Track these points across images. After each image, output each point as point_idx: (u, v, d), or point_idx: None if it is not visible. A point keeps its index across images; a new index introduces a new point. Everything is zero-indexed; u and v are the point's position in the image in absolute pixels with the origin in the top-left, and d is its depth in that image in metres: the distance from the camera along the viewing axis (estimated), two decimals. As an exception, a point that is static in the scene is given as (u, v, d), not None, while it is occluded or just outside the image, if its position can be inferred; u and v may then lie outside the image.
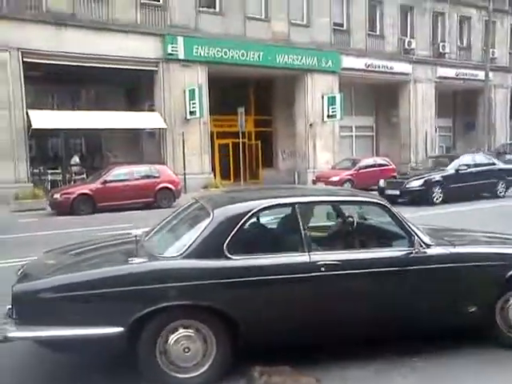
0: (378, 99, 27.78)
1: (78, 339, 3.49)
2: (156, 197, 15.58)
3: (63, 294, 3.50)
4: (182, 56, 19.60)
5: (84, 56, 17.50)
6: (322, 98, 23.30)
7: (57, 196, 14.59)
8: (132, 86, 20.69)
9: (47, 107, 17.83)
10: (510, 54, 31.41)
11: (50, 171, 18.61)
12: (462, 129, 31.76)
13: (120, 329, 3.45)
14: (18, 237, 10.58)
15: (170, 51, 19.29)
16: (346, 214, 4.65)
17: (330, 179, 19.02)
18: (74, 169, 18.93)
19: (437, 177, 15.30)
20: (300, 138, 23.69)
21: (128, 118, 18.97)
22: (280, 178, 24.00)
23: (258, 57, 21.19)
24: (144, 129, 20.04)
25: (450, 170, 15.66)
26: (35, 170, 18.13)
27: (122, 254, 4.15)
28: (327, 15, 23.43)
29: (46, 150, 19.75)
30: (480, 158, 17.24)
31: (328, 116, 23.28)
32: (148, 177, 15.86)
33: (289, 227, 4.12)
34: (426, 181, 15.02)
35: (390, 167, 20.90)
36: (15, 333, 3.49)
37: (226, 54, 20.46)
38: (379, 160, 21.38)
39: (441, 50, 27.47)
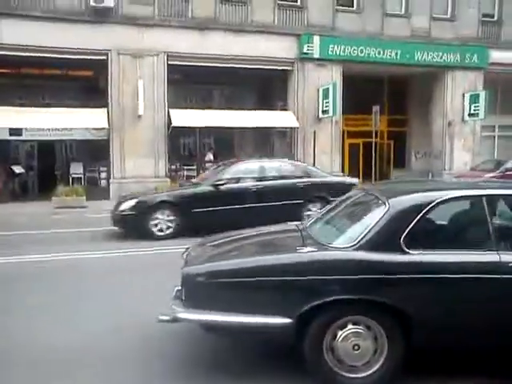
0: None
1: (245, 326, 3.47)
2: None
3: (232, 280, 3.52)
4: (317, 55, 19.54)
5: (222, 57, 18.23)
6: (463, 96, 21.76)
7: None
8: (265, 86, 21.09)
9: (185, 106, 18.90)
10: None
11: (185, 167, 19.78)
12: None
13: (288, 320, 3.36)
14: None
15: (305, 50, 19.33)
16: None
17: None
18: (208, 165, 19.89)
19: (163, 196, 10.39)
20: (436, 137, 22.43)
21: (260, 116, 19.39)
22: (412, 179, 23.01)
23: (395, 54, 20.37)
24: (276, 127, 20.38)
25: (205, 186, 10.57)
26: (172, 167, 19.37)
27: (288, 242, 4.23)
28: (475, 5, 21.73)
29: (181, 148, 20.99)
30: (283, 166, 11.69)
31: (469, 115, 21.69)
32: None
33: (474, 222, 3.83)
34: (138, 202, 10.09)
35: (542, 170, 18.89)
36: (184, 314, 3.60)
37: (361, 52, 19.99)
38: (528, 162, 19.43)
39: None
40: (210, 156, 19.92)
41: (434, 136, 22.54)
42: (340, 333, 3.40)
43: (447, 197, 3.69)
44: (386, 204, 3.65)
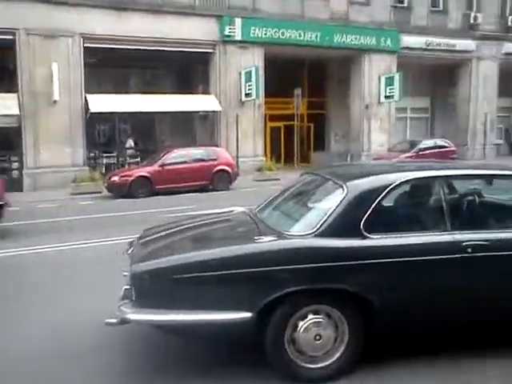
0: (435, 79, 26.62)
1: (202, 324, 3.28)
2: (212, 179, 15.66)
3: (187, 275, 3.26)
4: (239, 37, 19.28)
5: (142, 39, 17.43)
6: (379, 78, 22.55)
7: (115, 179, 14.86)
8: (186, 69, 20.54)
9: (103, 91, 17.98)
10: None
11: (104, 155, 18.89)
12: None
13: (248, 314, 3.20)
14: (84, 219, 10.97)
15: (227, 33, 18.99)
16: (489, 189, 4.18)
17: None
18: (129, 152, 19.16)
19: None
20: (354, 119, 23.12)
21: (182, 100, 18.92)
22: (332, 160, 23.59)
23: (316, 37, 20.59)
24: (198, 111, 19.98)
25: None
26: (91, 154, 18.43)
27: (243, 231, 4.02)
28: (388, -9, 22.42)
29: (100, 135, 20.02)
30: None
31: (385, 97, 22.55)
32: (205, 159, 15.91)
33: (430, 203, 3.83)
34: None
35: (451, 149, 20.28)
36: (135, 315, 3.35)
37: (283, 35, 19.99)
38: (439, 141, 20.78)
39: (509, 23, 25.83)
40: (130, 142, 19.15)
41: (352, 118, 23.21)
42: (301, 324, 3.30)
43: (405, 179, 3.65)
44: (344, 188, 3.54)
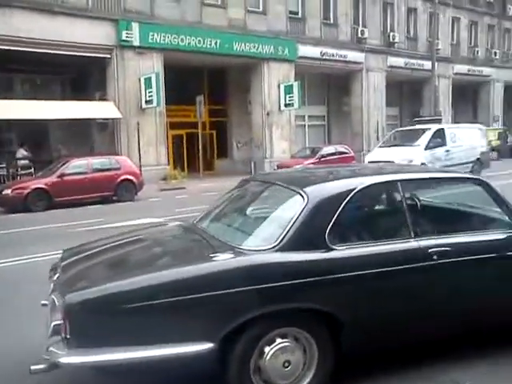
0: (329, 88, 27.85)
1: (156, 361, 2.73)
2: (116, 190, 14.75)
3: (136, 304, 2.71)
4: (137, 43, 18.61)
5: (27, 40, 16.12)
6: (279, 86, 22.99)
7: (7, 192, 13.42)
8: (81, 75, 19.37)
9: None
10: (451, 45, 32.45)
11: (-7, 166, 17.13)
12: (409, 117, 32.55)
13: (209, 345, 2.74)
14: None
15: (124, 37, 18.24)
16: (445, 193, 4.04)
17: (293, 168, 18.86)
18: (21, 163, 17.53)
19: None
20: (256, 127, 23.31)
21: (76, 107, 17.75)
22: (235, 168, 23.62)
23: (215, 44, 20.51)
24: (95, 119, 18.89)
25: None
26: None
27: (191, 248, 3.47)
28: (283, 2, 23.04)
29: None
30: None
31: (285, 105, 23.04)
32: (108, 169, 14.93)
33: (392, 209, 3.57)
34: None
35: (350, 155, 21.11)
36: (71, 357, 2.68)
37: (182, 41, 19.65)
38: (340, 148, 21.49)
39: (391, 39, 27.88)
40: (22, 152, 17.52)
41: (254, 125, 23.39)
42: (267, 350, 2.90)
43: (368, 183, 3.35)
44: (304, 195, 3.16)
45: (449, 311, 3.35)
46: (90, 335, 2.72)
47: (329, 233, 3.05)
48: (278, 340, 2.91)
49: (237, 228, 3.64)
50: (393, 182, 3.51)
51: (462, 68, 32.90)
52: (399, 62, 28.39)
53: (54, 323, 2.80)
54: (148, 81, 18.59)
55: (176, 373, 2.94)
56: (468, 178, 3.92)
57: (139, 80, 18.78)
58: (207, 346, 2.74)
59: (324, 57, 24.54)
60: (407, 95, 32.02)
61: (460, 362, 3.47)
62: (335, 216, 3.11)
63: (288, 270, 2.97)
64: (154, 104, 18.70)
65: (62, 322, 2.73)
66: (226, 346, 2.79)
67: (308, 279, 2.93)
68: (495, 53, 35.68)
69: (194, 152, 22.32)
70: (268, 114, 22.94)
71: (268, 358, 2.89)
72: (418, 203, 3.52)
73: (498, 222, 3.66)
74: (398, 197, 3.46)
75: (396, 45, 28.27)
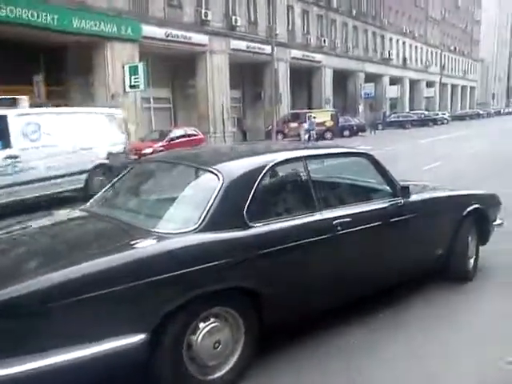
0: (174, 71, 27.60)
1: (85, 361, 2.49)
2: None
3: (64, 300, 2.45)
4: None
5: None
6: (123, 67, 22.12)
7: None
8: None
9: None
10: (287, 31, 34.35)
11: None
12: (250, 100, 33.87)
13: (141, 336, 2.62)
14: None
15: None
16: (337, 167, 4.31)
17: (143, 151, 18.44)
18: None
19: None
20: (100, 109, 22.16)
21: None
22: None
23: (52, 20, 18.87)
24: None
25: None
26: None
27: (105, 236, 3.18)
28: (124, -21, 22.08)
29: None
30: None
31: (130, 86, 22.24)
32: None
33: (301, 184, 3.65)
34: None
35: (200, 137, 21.33)
36: None
37: (12, 13, 17.70)
38: (189, 130, 21.51)
39: (233, 23, 28.49)
40: None
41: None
42: (198, 333, 2.89)
43: (277, 161, 3.45)
44: (218, 174, 3.14)
45: (355, 276, 3.73)
46: (3, 342, 2.37)
47: (246, 211, 3.10)
48: (208, 322, 2.93)
49: (148, 212, 3.49)
50: (300, 157, 3.68)
51: (298, 53, 35.11)
52: (241, 45, 29.23)
53: None
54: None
55: (104, 375, 2.68)
56: (358, 153, 4.27)
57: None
58: (140, 337, 2.62)
59: (169, 38, 24.17)
60: (249, 78, 33.19)
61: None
62: (251, 193, 3.16)
63: (213, 250, 2.97)
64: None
65: None
66: (157, 336, 2.71)
67: (232, 258, 2.97)
68: (324, 40, 38.71)
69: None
70: (113, 96, 21.96)
71: (199, 341, 2.88)
72: (320, 177, 3.85)
73: (383, 191, 4.10)
74: (304, 172, 3.60)
75: (238, 28, 29.02)
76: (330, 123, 31.59)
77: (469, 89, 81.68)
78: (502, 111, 79.70)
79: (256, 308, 3.13)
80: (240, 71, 31.97)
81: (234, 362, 3.06)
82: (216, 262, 2.90)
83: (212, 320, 2.96)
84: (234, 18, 28.59)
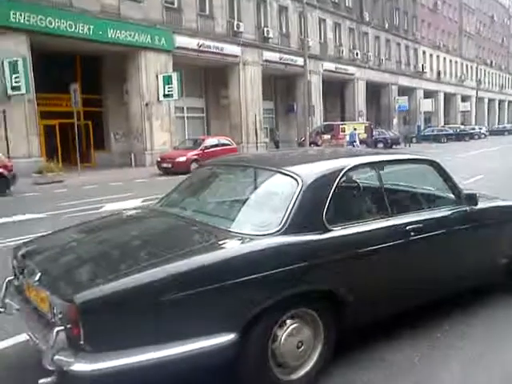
0: (208, 81, 27.92)
1: (177, 359, 2.51)
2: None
3: (168, 296, 2.49)
4: (-4, 21, 16.89)
5: None
6: (157, 76, 22.47)
7: None
8: None
9: None
10: (319, 43, 34.39)
11: None
12: (283, 111, 33.87)
13: (231, 336, 2.63)
14: None
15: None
16: (405, 173, 4.26)
17: (177, 160, 18.53)
18: None
19: None
20: (135, 118, 22.54)
21: None
22: (114, 160, 22.73)
23: (88, 30, 19.42)
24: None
25: None
26: None
27: (186, 235, 3.21)
28: (158, -9, 22.57)
29: None
30: None
31: (164, 95, 22.57)
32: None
33: (372, 189, 3.70)
34: None
35: (233, 146, 21.32)
36: (87, 365, 2.33)
37: (50, 24, 18.26)
38: (222, 140, 21.52)
39: (265, 34, 28.73)
40: None
41: (132, 116, 22.60)
42: (281, 333, 2.88)
43: (353, 164, 3.46)
44: (297, 177, 3.16)
45: (425, 281, 3.67)
46: (104, 337, 2.41)
47: (325, 214, 3.10)
48: (289, 322, 2.92)
49: (226, 213, 3.48)
50: (373, 163, 3.69)
51: (330, 65, 35.08)
52: (274, 56, 29.39)
53: (56, 329, 2.41)
54: (13, 64, 17.01)
55: (194, 372, 2.69)
56: (425, 159, 4.14)
57: (2, 63, 17.09)
58: (230, 336, 2.63)
59: (201, 48, 24.51)
60: (281, 89, 33.25)
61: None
62: (329, 197, 3.17)
63: (296, 252, 2.97)
64: (22, 91, 17.20)
65: (69, 326, 2.40)
66: (246, 336, 2.70)
67: (314, 260, 2.98)
68: (357, 53, 38.58)
69: (69, 143, 21.00)
70: (147, 104, 22.30)
71: (282, 341, 2.87)
72: (390, 183, 3.90)
73: (449, 198, 4.03)
74: (377, 177, 3.61)
75: (270, 40, 29.22)
76: (363, 136, 31.18)
77: (507, 103, 79.82)
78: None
79: (335, 310, 3.12)
80: (273, 82, 32.16)
81: (313, 362, 3.04)
82: (299, 264, 2.91)
83: (295, 320, 2.95)
84: (265, 29, 28.81)
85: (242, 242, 2.85)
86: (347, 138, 29.09)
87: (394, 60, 45.56)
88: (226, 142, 21.54)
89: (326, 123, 32.78)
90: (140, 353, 2.43)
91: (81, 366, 2.34)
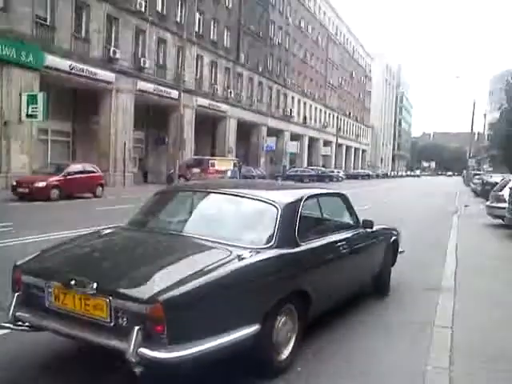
0: (78, 104, 26.71)
1: (225, 347, 3.20)
2: None
3: (217, 295, 3.23)
4: None
5: None
6: (20, 95, 20.94)
7: None
8: None
9: None
10: (195, 79, 34.95)
11: None
12: (153, 142, 33.53)
13: (256, 327, 3.41)
14: None
15: None
16: (329, 202, 5.42)
17: (35, 185, 17.31)
18: None
19: None
20: (-9, 137, 20.63)
21: None
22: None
23: None
24: None
25: None
26: None
27: (199, 248, 3.81)
28: (29, 4, 21.23)
29: None
30: None
31: (27, 115, 21.02)
32: None
33: (316, 213, 4.96)
34: None
35: (98, 174, 20.59)
36: (172, 352, 2.95)
37: None
38: (88, 166, 20.61)
39: (141, 64, 28.48)
40: None
41: (-12, 135, 20.67)
42: (278, 325, 3.74)
43: (308, 194, 4.72)
44: (275, 204, 4.11)
45: (348, 282, 5.18)
46: (181, 330, 3.02)
47: (296, 232, 4.12)
48: (282, 316, 3.78)
49: (227, 230, 4.08)
50: (317, 194, 4.99)
51: (204, 101, 35.73)
52: (149, 87, 29.18)
53: (137, 328, 2.94)
54: None
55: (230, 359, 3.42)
56: (339, 193, 5.57)
57: None
58: (256, 327, 3.40)
59: (73, 71, 23.46)
60: (154, 120, 32.95)
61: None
62: (297, 220, 4.18)
63: (288, 261, 3.95)
64: None
65: (149, 324, 2.96)
66: (263, 326, 3.47)
67: (296, 267, 4.02)
68: (230, 92, 39.87)
69: None
70: (5, 123, 20.60)
71: (279, 330, 3.74)
72: (323, 209, 5.09)
73: (350, 223, 5.40)
74: (318, 204, 4.90)
75: (146, 70, 29.01)
76: (232, 172, 32.07)
77: (361, 151, 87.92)
78: (388, 174, 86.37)
79: (305, 305, 4.08)
80: (146, 113, 31.73)
81: (292, 346, 3.92)
82: (290, 270, 3.95)
83: (285, 314, 3.82)
84: (143, 59, 28.59)
85: (257, 253, 3.69)
86: (228, 173, 30.14)
87: (266, 102, 47.87)
88: (92, 169, 20.71)
89: (196, 157, 33.08)
90: (205, 342, 3.08)
91: (166, 354, 2.93)
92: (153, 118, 32.87)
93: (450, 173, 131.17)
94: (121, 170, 27.28)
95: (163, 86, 30.43)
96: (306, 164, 57.35)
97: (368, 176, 67.53)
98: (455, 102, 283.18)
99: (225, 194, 4.65)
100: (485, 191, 23.50)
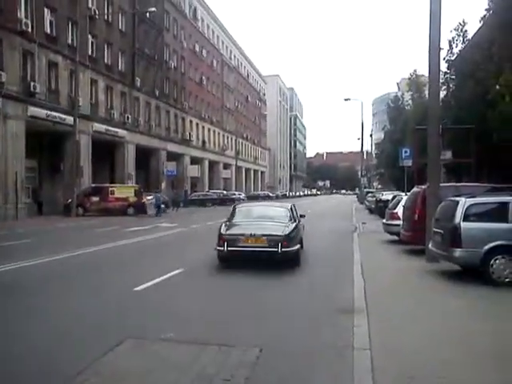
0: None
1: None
2: None
3: None
4: None
5: None
6: None
7: None
8: None
9: None
10: (91, 104, 33.69)
11: None
12: (48, 171, 31.61)
13: (298, 245, 10.92)
14: None
15: None
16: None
17: None
18: None
19: None
20: None
21: None
22: None
23: None
24: None
25: None
26: None
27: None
28: None
29: None
30: None
31: None
32: None
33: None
34: None
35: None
36: (290, 248, 9.90)
37: None
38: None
39: (32, 89, 26.87)
40: None
41: None
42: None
43: (290, 206, 12.03)
44: (287, 207, 11.71)
45: None
46: (289, 243, 9.90)
47: (295, 217, 11.83)
48: None
49: (257, 226, 10.38)
50: (291, 207, 12.03)
51: (101, 127, 34.49)
52: (41, 113, 27.58)
53: (280, 244, 9.66)
54: None
55: None
56: (291, 205, 12.24)
57: None
58: (298, 245, 10.86)
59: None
60: (48, 148, 31.11)
61: None
62: (295, 213, 12.17)
63: (300, 227, 11.74)
64: None
65: (282, 242, 9.67)
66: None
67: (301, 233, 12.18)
68: (128, 117, 38.93)
69: None
70: None
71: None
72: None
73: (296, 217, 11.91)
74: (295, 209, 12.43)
75: (37, 95, 27.41)
76: (133, 199, 30.78)
77: (260, 173, 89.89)
78: (287, 194, 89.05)
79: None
80: (39, 140, 29.84)
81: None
82: (299, 232, 11.37)
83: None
84: (32, 83, 26.97)
85: (291, 223, 10.77)
86: (153, 201, 30.48)
87: (164, 126, 47.35)
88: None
89: (94, 185, 31.67)
90: (294, 246, 10.34)
91: (289, 249, 10.00)
92: (47, 145, 31.03)
93: (343, 191, 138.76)
94: (13, 201, 25.32)
95: (57, 112, 28.92)
96: (207, 187, 57.35)
97: (268, 197, 68.90)
98: (345, 122, 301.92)
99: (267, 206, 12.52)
100: (378, 208, 25.41)
